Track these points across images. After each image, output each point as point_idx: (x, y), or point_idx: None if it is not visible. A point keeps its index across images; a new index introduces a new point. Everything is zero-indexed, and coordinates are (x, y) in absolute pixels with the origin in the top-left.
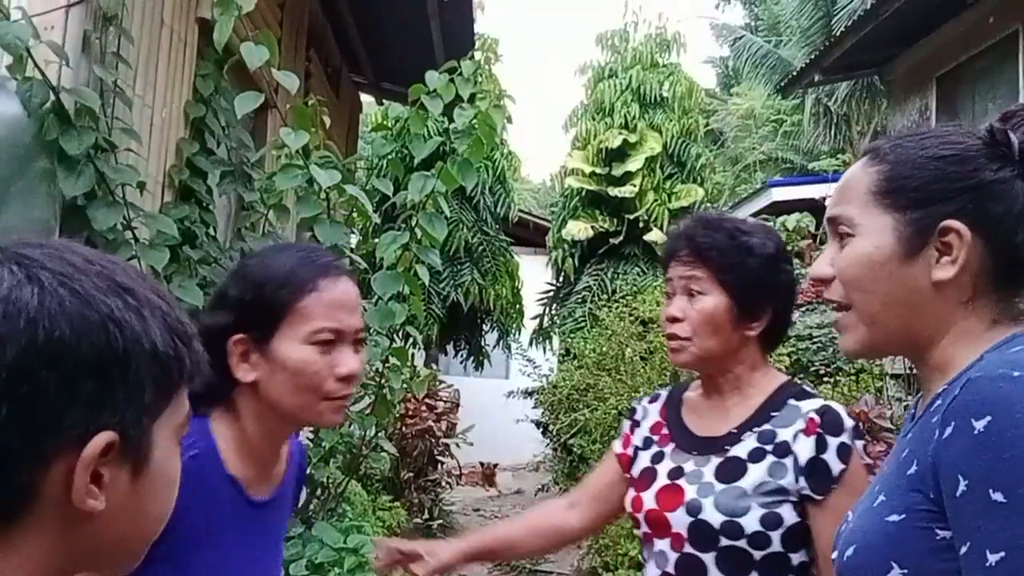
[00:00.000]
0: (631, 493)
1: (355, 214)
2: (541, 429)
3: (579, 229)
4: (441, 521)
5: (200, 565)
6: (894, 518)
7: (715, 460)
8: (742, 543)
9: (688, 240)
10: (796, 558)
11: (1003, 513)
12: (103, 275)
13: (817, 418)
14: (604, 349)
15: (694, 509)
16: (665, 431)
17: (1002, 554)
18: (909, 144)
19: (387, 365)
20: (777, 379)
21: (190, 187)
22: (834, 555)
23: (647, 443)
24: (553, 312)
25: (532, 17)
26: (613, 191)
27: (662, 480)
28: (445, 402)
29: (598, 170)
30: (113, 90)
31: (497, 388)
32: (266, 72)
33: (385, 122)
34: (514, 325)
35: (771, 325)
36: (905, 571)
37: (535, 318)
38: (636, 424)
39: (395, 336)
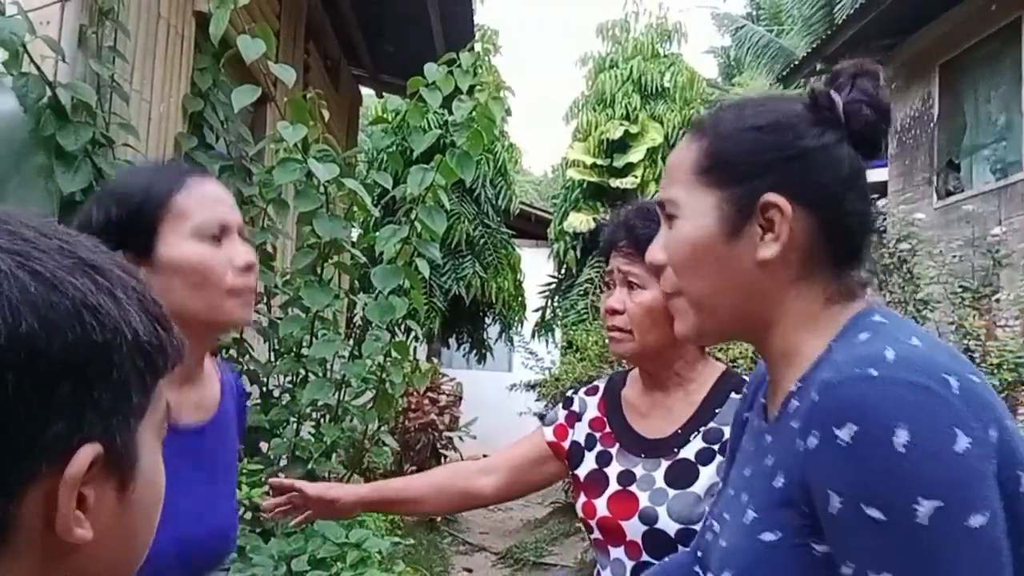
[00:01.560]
0: (581, 498)
1: (355, 208)
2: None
3: (581, 221)
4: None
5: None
6: (769, 537)
7: (664, 463)
8: None
9: (628, 231)
10: None
11: (882, 531)
12: (65, 251)
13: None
14: (606, 341)
15: (649, 518)
16: (608, 429)
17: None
18: (728, 115)
19: (388, 359)
20: (716, 370)
21: None
22: None
23: (590, 441)
24: (555, 304)
25: (532, 8)
26: (615, 182)
27: (613, 486)
28: (448, 395)
29: (599, 161)
30: (110, 85)
31: (500, 381)
32: (264, 65)
33: (384, 115)
34: (516, 318)
35: None
36: None
37: (537, 311)
38: (576, 416)
39: (396, 330)
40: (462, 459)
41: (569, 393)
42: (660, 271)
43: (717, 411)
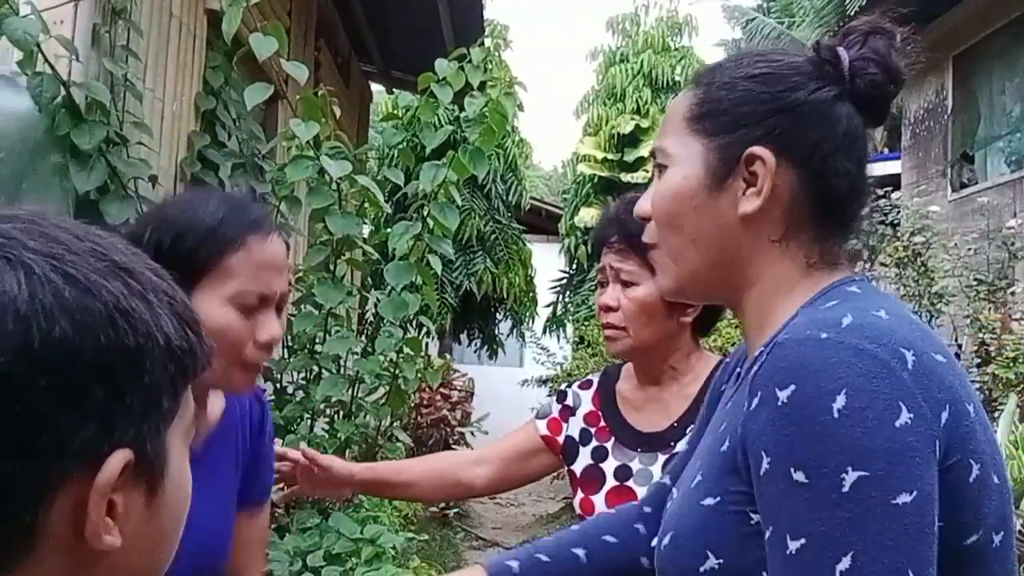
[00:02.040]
0: (579, 495)
1: (366, 204)
2: None
3: (592, 216)
4: (457, 509)
5: None
6: (709, 501)
7: (661, 457)
8: None
9: (618, 226)
10: None
11: (803, 495)
12: (97, 253)
13: None
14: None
15: None
16: (603, 424)
17: (802, 541)
18: (728, 65)
19: (401, 355)
20: (710, 362)
21: (202, 180)
22: (654, 541)
23: (585, 436)
24: (567, 300)
25: (541, 2)
26: (626, 177)
27: (611, 482)
28: (459, 391)
29: (610, 156)
30: (123, 84)
31: (511, 376)
32: (275, 63)
33: (395, 111)
34: (527, 313)
35: (704, 311)
36: (720, 560)
37: (548, 306)
38: (570, 411)
39: (408, 326)
40: None
41: (563, 387)
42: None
43: None
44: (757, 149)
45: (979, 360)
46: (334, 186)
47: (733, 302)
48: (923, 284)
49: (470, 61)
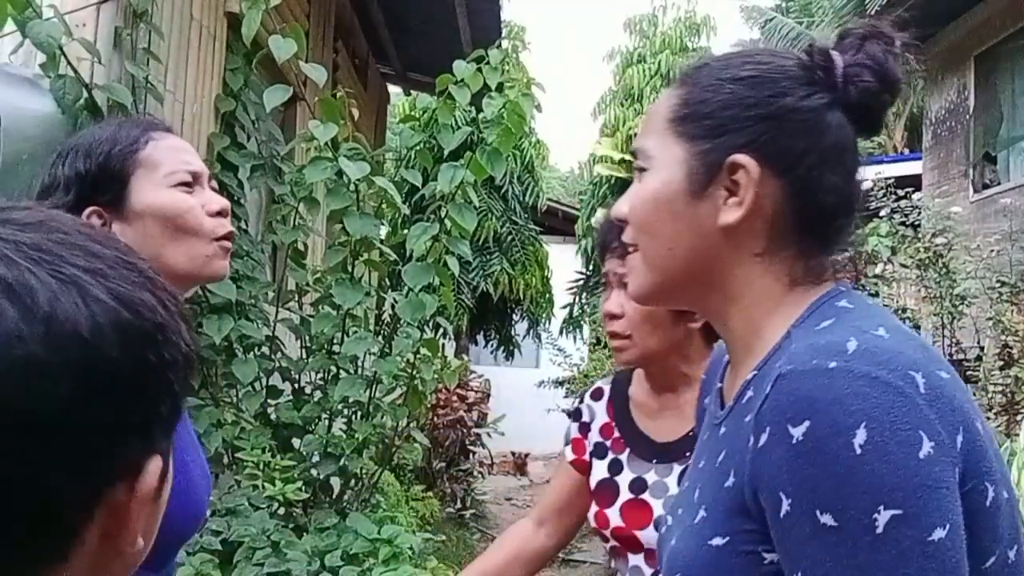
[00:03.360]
0: (593, 508)
1: (384, 206)
2: None
3: None
4: (473, 511)
5: (184, 471)
6: (717, 541)
7: (677, 468)
8: None
9: (619, 229)
10: None
11: (834, 539)
12: (125, 263)
13: None
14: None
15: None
16: (617, 434)
17: None
18: (715, 64)
19: (418, 356)
20: None
21: (221, 181)
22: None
23: (600, 450)
24: (583, 301)
25: (558, 3)
26: None
27: (625, 494)
28: (476, 392)
29: (627, 157)
30: (144, 86)
31: (528, 377)
32: (294, 65)
33: (413, 112)
34: (544, 314)
35: None
36: None
37: (565, 307)
38: (586, 427)
39: (425, 327)
40: (490, 456)
41: (575, 404)
42: (625, 226)
43: None
44: (740, 157)
45: (1002, 363)
46: (352, 187)
47: (713, 315)
48: (945, 286)
49: (488, 63)
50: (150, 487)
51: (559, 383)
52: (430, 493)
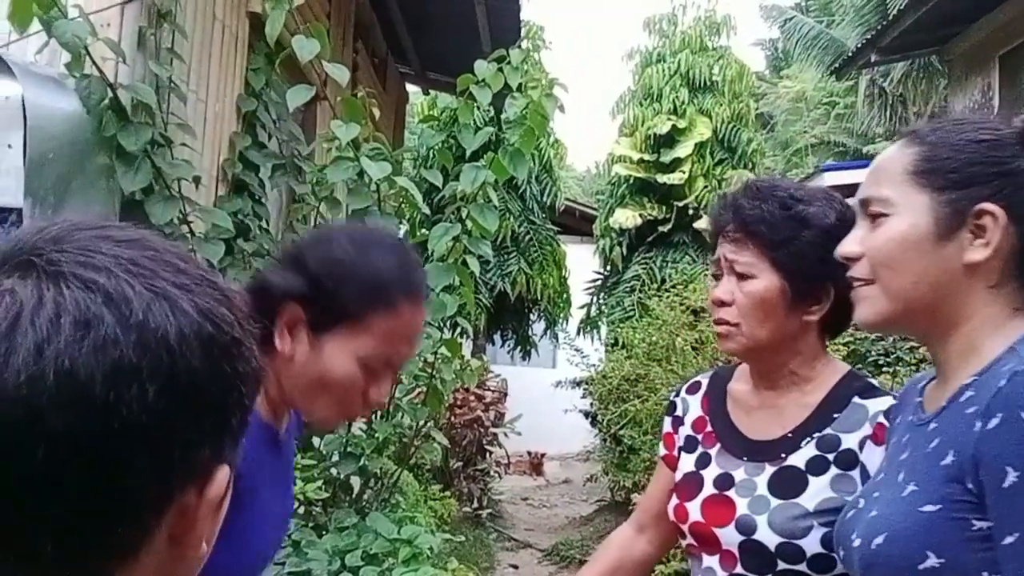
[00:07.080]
0: (673, 501)
1: (404, 205)
2: (590, 419)
3: (627, 217)
4: (490, 510)
5: (252, 506)
6: (928, 508)
7: (769, 469)
8: (802, 567)
9: (734, 212)
10: None
11: None
12: (208, 280)
13: (886, 423)
14: (654, 339)
15: (746, 527)
16: (709, 428)
17: None
18: (947, 128)
19: (438, 356)
20: (837, 370)
21: (243, 180)
22: (853, 542)
23: (691, 444)
24: (601, 301)
25: (577, 2)
26: (662, 178)
27: (708, 489)
28: (493, 392)
29: (646, 157)
30: (168, 86)
31: (545, 378)
32: (316, 64)
33: (432, 112)
34: (561, 314)
35: (833, 308)
36: (942, 560)
37: (583, 307)
38: (679, 421)
39: (445, 327)
40: (507, 455)
41: (671, 397)
42: (853, 263)
43: (836, 416)
44: (989, 205)
45: None
46: (373, 187)
47: (932, 337)
48: None
49: (509, 62)
50: (217, 494)
51: (576, 383)
52: (447, 493)
